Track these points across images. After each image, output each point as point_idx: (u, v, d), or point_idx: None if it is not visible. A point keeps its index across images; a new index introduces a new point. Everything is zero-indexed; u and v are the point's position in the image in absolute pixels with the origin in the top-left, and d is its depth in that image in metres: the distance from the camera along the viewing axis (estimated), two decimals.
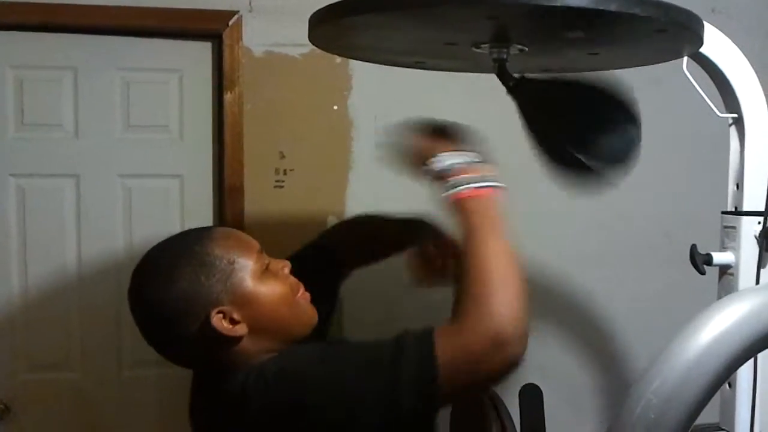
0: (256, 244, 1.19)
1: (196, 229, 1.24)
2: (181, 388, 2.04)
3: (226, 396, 1.13)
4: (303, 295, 1.22)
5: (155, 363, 2.19)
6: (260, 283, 1.15)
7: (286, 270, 1.20)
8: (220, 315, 1.12)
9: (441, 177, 1.17)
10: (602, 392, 2.46)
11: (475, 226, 1.11)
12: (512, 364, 1.03)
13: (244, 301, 1.13)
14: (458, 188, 1.14)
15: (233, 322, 1.13)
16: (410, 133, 1.26)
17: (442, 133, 1.24)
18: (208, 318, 1.11)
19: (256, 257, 1.17)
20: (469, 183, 1.14)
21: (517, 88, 1.32)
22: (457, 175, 1.15)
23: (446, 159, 1.17)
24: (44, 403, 2.18)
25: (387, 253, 1.51)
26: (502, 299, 1.03)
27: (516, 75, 1.31)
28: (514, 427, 1.81)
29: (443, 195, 1.15)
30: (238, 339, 1.13)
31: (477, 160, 1.18)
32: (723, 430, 1.62)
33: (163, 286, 1.13)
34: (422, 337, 1.05)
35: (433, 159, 1.17)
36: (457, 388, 1.05)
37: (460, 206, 1.13)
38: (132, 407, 2.22)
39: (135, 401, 2.23)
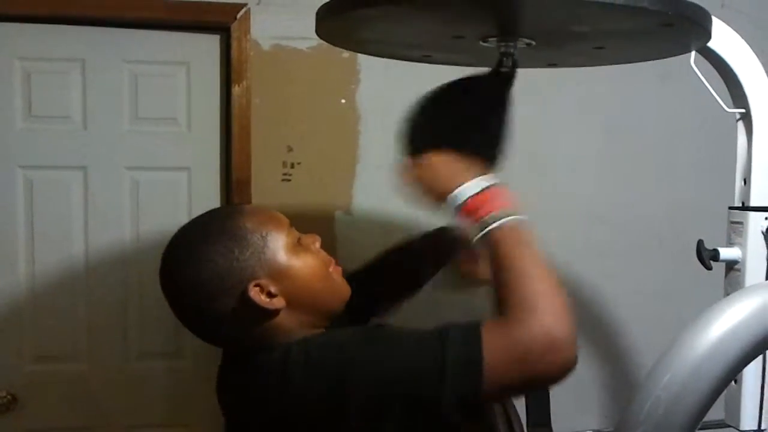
0: (285, 219, 1.19)
1: (222, 207, 1.24)
2: (188, 380, 2.06)
3: (264, 370, 1.11)
4: (336, 269, 1.22)
5: (162, 354, 2.23)
6: (294, 256, 1.15)
7: (317, 244, 1.20)
8: (258, 288, 1.11)
9: (462, 212, 1.15)
10: (607, 387, 2.46)
11: (511, 248, 1.09)
12: (566, 369, 1.02)
13: (279, 274, 1.13)
14: (486, 229, 1.11)
15: (270, 295, 1.12)
16: (413, 166, 1.25)
17: (446, 158, 1.22)
18: (245, 292, 1.10)
19: (287, 231, 1.16)
20: (494, 221, 1.11)
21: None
22: (479, 213, 1.13)
23: (462, 194, 1.14)
24: (51, 394, 2.18)
25: (423, 273, 1.50)
26: (553, 302, 1.03)
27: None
28: (520, 421, 1.82)
29: (474, 240, 1.13)
30: (275, 312, 1.13)
31: (490, 183, 1.16)
32: (729, 426, 1.62)
33: (197, 263, 1.12)
34: (469, 331, 1.03)
35: (449, 197, 1.15)
36: (503, 387, 1.04)
37: (491, 241, 1.11)
38: (139, 398, 2.23)
39: (141, 392, 2.23)
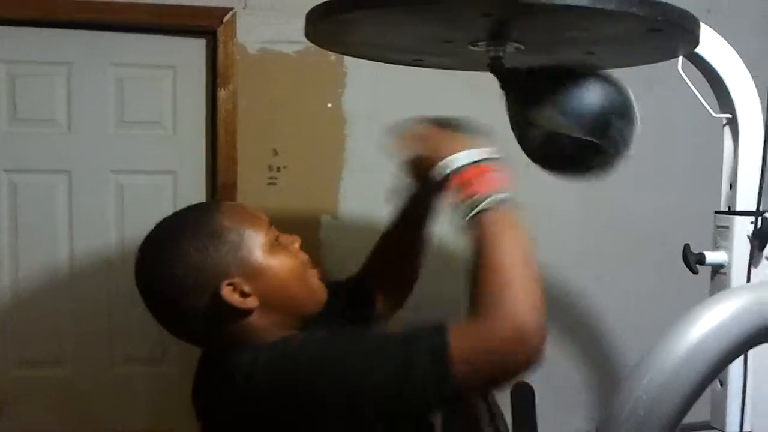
0: (265, 218, 1.17)
1: (202, 202, 1.21)
2: (173, 384, 2.04)
3: (233, 374, 1.10)
4: (313, 271, 1.20)
5: (147, 359, 2.22)
6: (271, 255, 1.13)
7: (297, 245, 1.18)
8: (231, 287, 1.09)
9: (451, 182, 1.11)
10: (593, 389, 2.47)
11: (493, 232, 1.07)
12: (534, 360, 1.01)
13: (254, 274, 1.10)
14: (476, 209, 1.08)
15: (244, 294, 1.10)
16: (410, 131, 1.24)
17: (444, 127, 1.21)
18: (218, 290, 1.08)
19: (266, 230, 1.14)
20: (485, 202, 1.07)
21: (510, 79, 1.33)
22: (469, 187, 1.09)
23: (452, 163, 1.11)
24: (36, 399, 2.17)
25: (416, 244, 1.46)
26: (521, 294, 1.01)
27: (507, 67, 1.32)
28: (505, 422, 1.82)
29: (462, 218, 1.09)
30: (248, 312, 1.11)
31: (484, 156, 1.12)
32: (714, 428, 1.63)
33: (171, 258, 1.10)
34: (436, 331, 1.02)
35: (438, 165, 1.12)
36: (474, 383, 1.03)
37: (476, 224, 1.08)
38: (124, 403, 2.22)
39: (127, 397, 2.22)
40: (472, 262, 1.06)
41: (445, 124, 1.23)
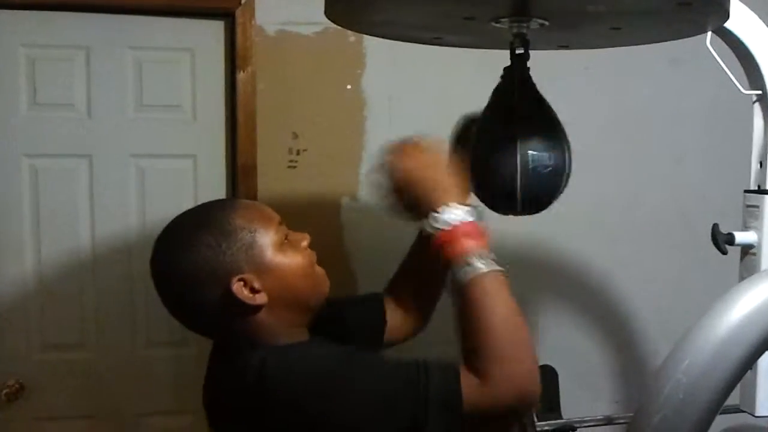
0: (276, 216, 1.21)
1: (217, 200, 1.27)
2: (195, 367, 2.04)
3: (243, 369, 1.14)
4: (319, 269, 1.24)
5: (169, 342, 2.22)
6: (280, 253, 1.17)
7: (305, 243, 1.22)
8: (241, 283, 1.13)
9: (438, 237, 1.16)
10: (618, 373, 2.45)
11: (486, 298, 1.12)
12: (530, 408, 1.17)
13: (264, 271, 1.14)
14: (468, 272, 1.13)
15: (254, 291, 1.14)
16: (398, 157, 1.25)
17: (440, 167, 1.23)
18: (228, 286, 1.12)
19: (276, 228, 1.18)
20: (476, 267, 1.13)
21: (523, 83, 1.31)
22: (454, 247, 1.14)
23: (443, 215, 1.16)
24: (58, 383, 2.18)
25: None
26: (521, 359, 1.10)
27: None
28: None
29: (454, 277, 1.14)
30: (257, 308, 1.15)
31: (473, 216, 1.17)
32: (743, 412, 1.61)
33: (184, 253, 1.14)
34: (448, 370, 1.09)
35: (432, 214, 1.17)
36: (474, 423, 1.11)
37: (467, 288, 1.13)
38: (145, 385, 2.23)
39: (149, 380, 2.23)
40: (464, 323, 1.13)
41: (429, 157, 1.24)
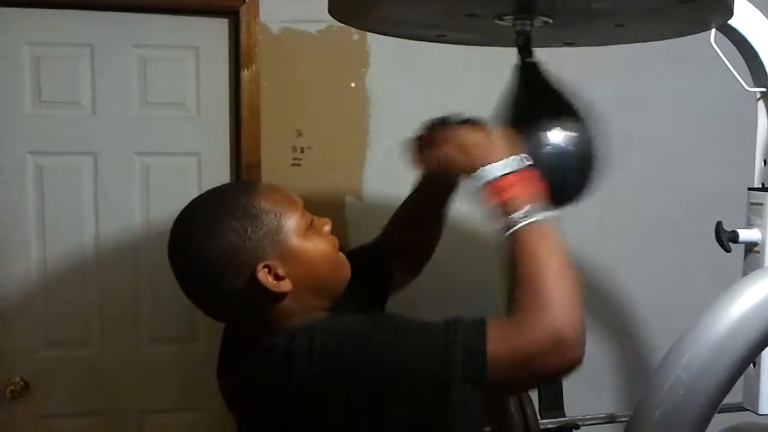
0: (300, 201, 1.17)
1: (238, 182, 1.21)
2: (200, 365, 2.05)
3: (268, 356, 1.10)
4: (342, 255, 1.21)
5: (173, 339, 2.23)
6: (305, 239, 1.13)
7: (327, 228, 1.19)
8: (266, 270, 1.10)
9: (488, 190, 1.12)
10: (620, 370, 2.44)
11: (533, 246, 1.08)
12: (570, 367, 1.02)
13: (289, 257, 1.11)
14: (517, 225, 1.09)
15: (278, 278, 1.10)
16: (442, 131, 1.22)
17: (473, 128, 1.20)
18: (254, 273, 1.09)
19: (301, 213, 1.15)
20: (526, 217, 1.08)
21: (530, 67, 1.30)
22: (505, 195, 1.10)
23: (489, 173, 1.12)
24: (63, 380, 2.18)
25: (430, 215, 1.47)
26: (563, 302, 1.02)
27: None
28: (532, 404, 1.81)
29: (504, 233, 1.10)
30: (282, 295, 1.11)
31: (520, 165, 1.13)
32: (746, 410, 1.61)
33: (208, 238, 1.10)
34: (474, 325, 1.03)
35: (474, 174, 1.13)
36: (506, 380, 1.04)
37: (516, 237, 1.09)
38: (150, 383, 2.23)
39: (153, 377, 2.23)
40: (512, 272, 1.07)
41: (474, 125, 1.21)
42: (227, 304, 1.14)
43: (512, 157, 1.13)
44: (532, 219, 1.08)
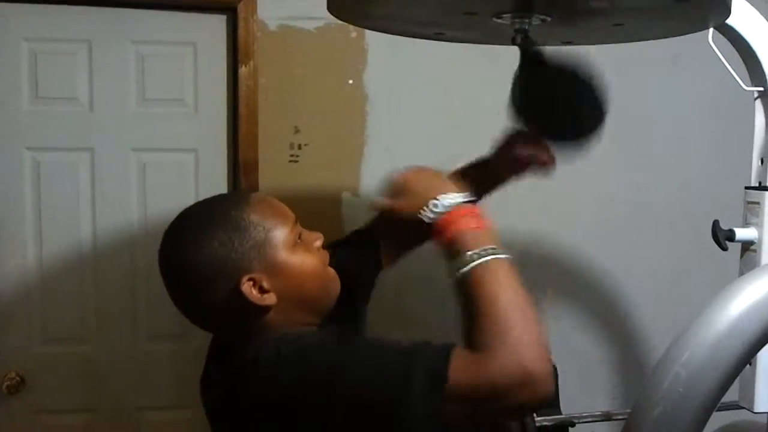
0: (291, 214, 1.17)
1: (232, 192, 1.21)
2: (196, 362, 2.04)
3: (238, 364, 1.11)
4: (331, 270, 1.20)
5: (170, 336, 2.23)
6: (293, 253, 1.14)
7: (318, 243, 1.19)
8: (251, 282, 1.10)
9: (437, 225, 1.10)
10: (616, 369, 2.45)
11: (491, 285, 1.04)
12: (536, 399, 0.99)
13: (275, 271, 1.12)
14: (474, 263, 1.05)
15: (263, 291, 1.11)
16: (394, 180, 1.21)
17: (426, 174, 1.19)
18: (238, 284, 1.09)
19: (290, 227, 1.15)
20: (482, 255, 1.05)
21: (535, 56, 1.31)
22: (454, 227, 1.08)
23: (439, 205, 1.10)
24: (59, 376, 2.19)
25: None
26: (529, 338, 0.99)
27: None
28: None
29: (456, 273, 1.07)
30: (266, 309, 1.12)
31: (467, 199, 1.12)
32: (742, 408, 1.61)
33: (195, 247, 1.11)
34: (440, 350, 1.01)
35: (430, 203, 1.11)
36: (466, 410, 1.01)
37: (472, 277, 1.06)
38: (146, 380, 2.23)
39: (149, 374, 2.23)
40: (469, 309, 1.04)
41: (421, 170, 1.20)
42: (211, 315, 1.15)
43: (461, 193, 1.12)
44: (489, 256, 1.05)
